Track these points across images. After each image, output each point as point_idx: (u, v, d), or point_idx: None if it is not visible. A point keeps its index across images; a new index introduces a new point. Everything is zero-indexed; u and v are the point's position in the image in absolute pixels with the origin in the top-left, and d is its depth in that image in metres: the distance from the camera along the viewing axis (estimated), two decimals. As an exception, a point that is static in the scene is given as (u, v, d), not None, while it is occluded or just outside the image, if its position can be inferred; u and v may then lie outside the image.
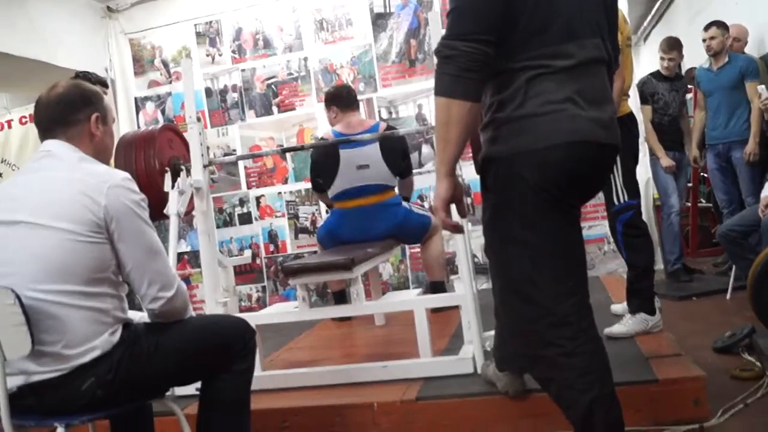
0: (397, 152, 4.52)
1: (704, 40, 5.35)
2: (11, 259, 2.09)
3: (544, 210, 2.05)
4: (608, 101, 2.14)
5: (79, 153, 2.23)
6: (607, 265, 5.72)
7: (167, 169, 3.65)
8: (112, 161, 2.69)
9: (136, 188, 2.22)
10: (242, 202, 6.27)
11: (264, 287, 6.39)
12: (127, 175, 2.22)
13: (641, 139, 4.73)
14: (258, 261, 6.34)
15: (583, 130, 2.02)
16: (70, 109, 2.27)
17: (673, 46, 5.55)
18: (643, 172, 5.33)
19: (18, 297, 1.96)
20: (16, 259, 2.08)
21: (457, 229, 2.18)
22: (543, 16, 2.00)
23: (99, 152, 2.32)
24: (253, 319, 3.01)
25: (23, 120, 6.51)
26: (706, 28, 5.35)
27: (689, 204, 6.66)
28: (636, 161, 3.63)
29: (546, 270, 2.07)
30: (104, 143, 2.35)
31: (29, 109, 6.45)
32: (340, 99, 4.62)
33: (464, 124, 1.96)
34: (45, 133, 2.28)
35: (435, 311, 3.94)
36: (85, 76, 3.99)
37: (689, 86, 6.06)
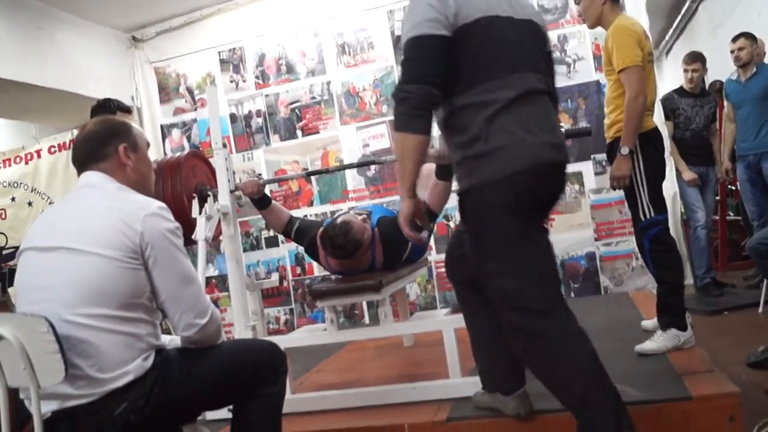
0: (398, 244, 3.88)
1: (732, 51, 5.32)
2: (49, 285, 2.12)
3: (517, 227, 2.39)
4: (556, 128, 2.54)
5: (117, 183, 2.28)
6: (636, 281, 5.67)
7: (194, 195, 3.69)
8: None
9: (172, 217, 2.25)
10: (269, 226, 6.28)
11: (292, 310, 6.41)
12: (163, 204, 2.25)
13: (667, 154, 4.71)
14: (285, 284, 6.37)
15: (541, 154, 2.37)
16: (98, 145, 2.32)
17: (695, 58, 5.57)
18: (670, 186, 5.30)
19: (52, 325, 1.98)
20: (54, 283, 2.11)
21: (421, 240, 2.64)
22: (487, 58, 2.37)
23: (137, 181, 2.36)
24: (282, 342, 3.01)
25: (52, 150, 6.61)
26: (735, 39, 5.32)
27: (717, 218, 6.60)
28: (662, 176, 3.61)
29: (522, 275, 2.40)
30: (139, 171, 2.38)
31: (58, 139, 6.56)
32: (336, 250, 3.66)
33: (417, 154, 2.35)
34: (81, 169, 2.33)
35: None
36: (107, 103, 4.03)
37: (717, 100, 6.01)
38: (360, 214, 3.80)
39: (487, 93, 2.35)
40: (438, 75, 2.32)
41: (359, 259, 3.66)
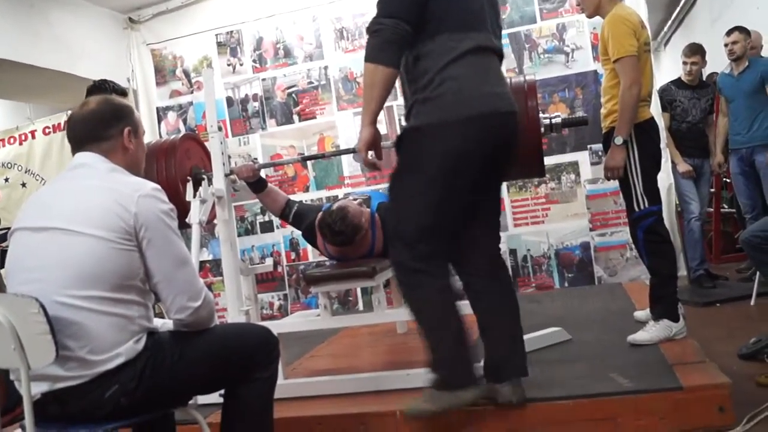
0: None
1: (726, 45, 5.33)
2: (42, 266, 2.11)
3: (448, 175, 2.59)
4: (505, 82, 2.75)
5: (110, 164, 2.26)
6: (629, 272, 5.68)
7: (189, 178, 3.68)
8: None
9: (166, 199, 2.24)
10: (264, 211, 6.27)
11: (286, 295, 6.41)
12: (157, 185, 2.24)
13: (663, 145, 4.71)
14: (279, 269, 6.36)
15: (489, 103, 2.59)
16: (103, 125, 2.29)
17: (695, 50, 5.56)
18: (665, 178, 5.30)
19: (42, 306, 1.98)
20: (47, 264, 2.10)
21: (375, 166, 2.74)
22: (452, 13, 2.59)
23: (132, 165, 2.34)
24: (276, 327, 3.00)
25: (47, 130, 6.57)
26: (729, 33, 5.33)
27: (711, 210, 6.60)
28: (658, 168, 3.61)
29: (425, 217, 2.64)
30: (137, 156, 2.38)
31: (53, 120, 6.52)
32: (335, 237, 3.63)
33: (385, 85, 2.56)
34: (78, 147, 2.30)
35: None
36: (103, 84, 3.99)
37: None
38: (357, 199, 3.80)
39: (447, 43, 2.58)
40: (411, 14, 2.52)
41: (358, 244, 3.66)
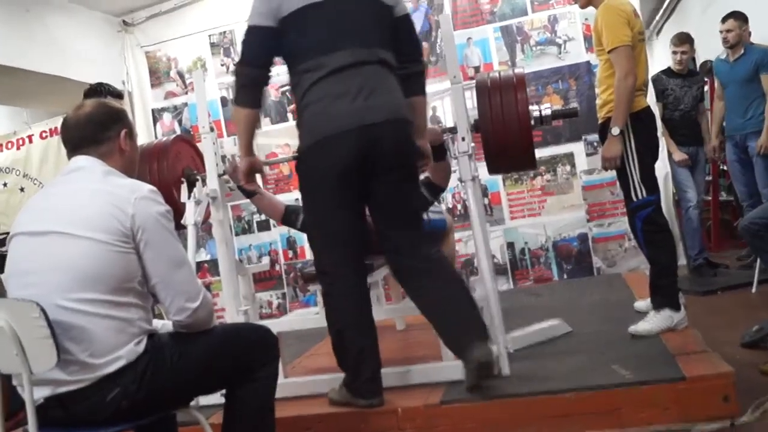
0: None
1: (721, 32, 5.31)
2: (40, 269, 2.11)
3: (318, 197, 2.88)
4: (381, 91, 2.83)
5: (106, 167, 2.26)
6: (628, 262, 5.68)
7: (183, 179, 3.67)
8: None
9: (162, 200, 2.24)
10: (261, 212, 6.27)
11: (284, 294, 6.41)
12: (153, 187, 2.24)
13: (659, 134, 4.70)
14: (277, 268, 6.35)
15: (349, 120, 2.74)
16: (100, 128, 2.30)
17: (684, 39, 5.57)
18: (662, 167, 5.29)
19: (43, 310, 1.98)
20: (45, 268, 2.10)
21: (255, 189, 3.65)
22: (301, 44, 2.81)
23: (128, 167, 2.35)
24: (275, 326, 3.01)
25: (44, 135, 6.58)
26: (724, 20, 5.29)
27: (709, 198, 6.59)
28: (655, 157, 3.60)
29: (319, 241, 2.99)
30: (132, 157, 2.39)
31: (49, 124, 6.52)
32: None
33: (246, 123, 2.92)
34: (75, 150, 2.30)
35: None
36: (99, 87, 4.02)
37: (705, 79, 6.00)
38: None
39: (304, 73, 2.81)
40: (262, 58, 2.86)
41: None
